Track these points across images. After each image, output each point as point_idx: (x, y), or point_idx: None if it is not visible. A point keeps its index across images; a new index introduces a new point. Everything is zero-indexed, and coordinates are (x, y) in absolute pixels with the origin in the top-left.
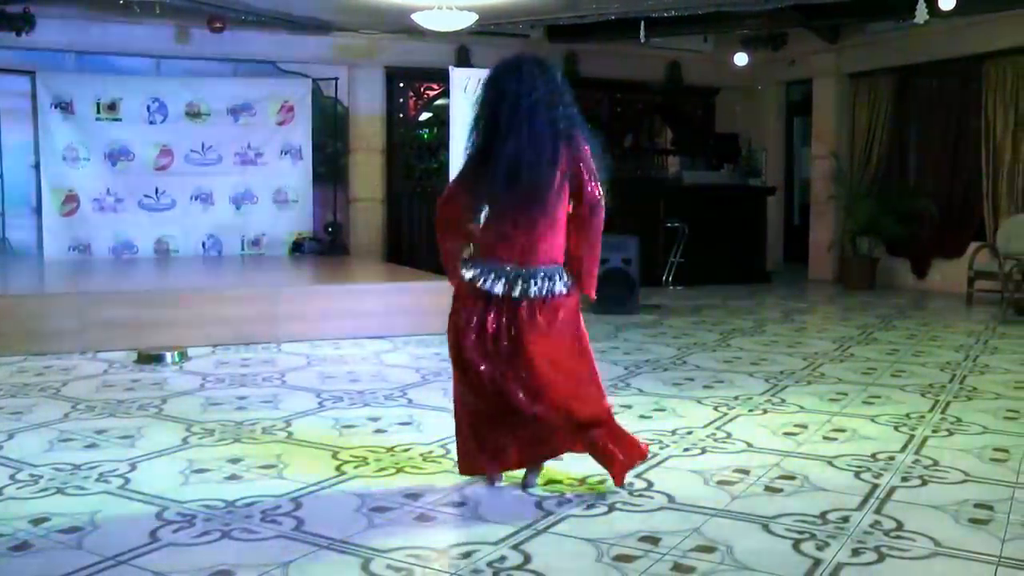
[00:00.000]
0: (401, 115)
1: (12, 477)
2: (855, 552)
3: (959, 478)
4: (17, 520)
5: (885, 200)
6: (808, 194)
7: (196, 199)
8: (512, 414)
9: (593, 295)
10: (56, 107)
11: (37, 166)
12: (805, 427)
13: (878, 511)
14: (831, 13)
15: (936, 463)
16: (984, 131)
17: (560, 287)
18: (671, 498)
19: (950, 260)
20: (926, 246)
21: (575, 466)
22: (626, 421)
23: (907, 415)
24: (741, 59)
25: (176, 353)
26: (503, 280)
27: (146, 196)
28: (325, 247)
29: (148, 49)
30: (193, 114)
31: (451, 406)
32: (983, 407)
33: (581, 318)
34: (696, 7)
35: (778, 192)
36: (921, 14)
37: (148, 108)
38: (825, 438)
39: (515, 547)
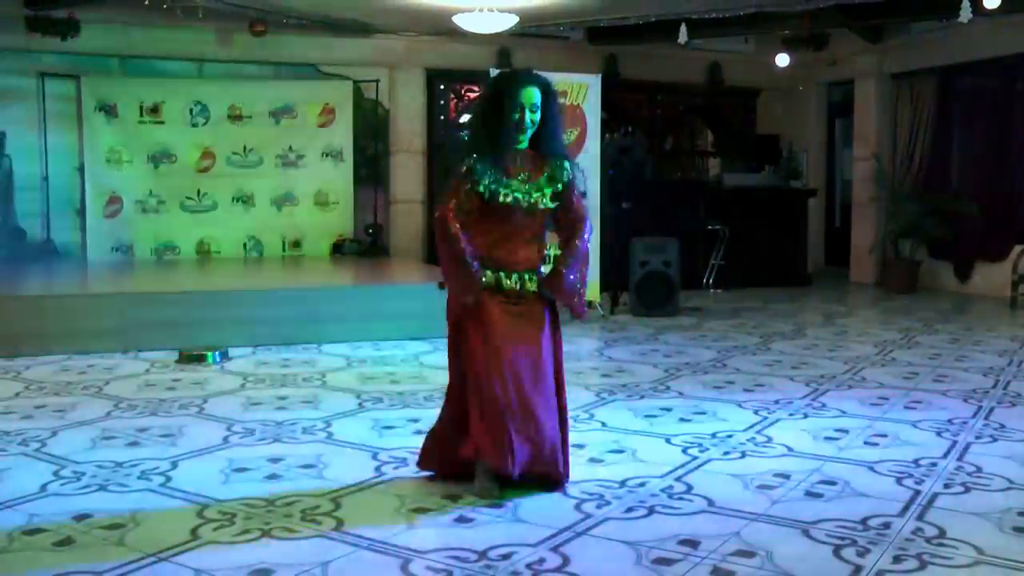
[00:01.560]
0: (442, 117)
1: (56, 474)
2: (896, 559)
3: (1003, 485)
4: (60, 516)
5: (927, 202)
6: (849, 196)
7: (237, 200)
8: None
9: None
10: (100, 110)
11: (81, 168)
12: (846, 432)
13: (920, 518)
14: (873, 13)
15: (979, 470)
16: None
17: None
18: (711, 502)
19: (993, 263)
20: (969, 249)
21: (614, 470)
22: (666, 424)
23: (949, 421)
24: (782, 60)
25: (217, 353)
26: None
27: (188, 198)
28: (365, 248)
29: (190, 53)
30: (235, 116)
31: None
32: None
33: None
34: (737, 8)
35: (819, 194)
36: (965, 13)
37: (190, 111)
38: (866, 443)
39: (554, 549)
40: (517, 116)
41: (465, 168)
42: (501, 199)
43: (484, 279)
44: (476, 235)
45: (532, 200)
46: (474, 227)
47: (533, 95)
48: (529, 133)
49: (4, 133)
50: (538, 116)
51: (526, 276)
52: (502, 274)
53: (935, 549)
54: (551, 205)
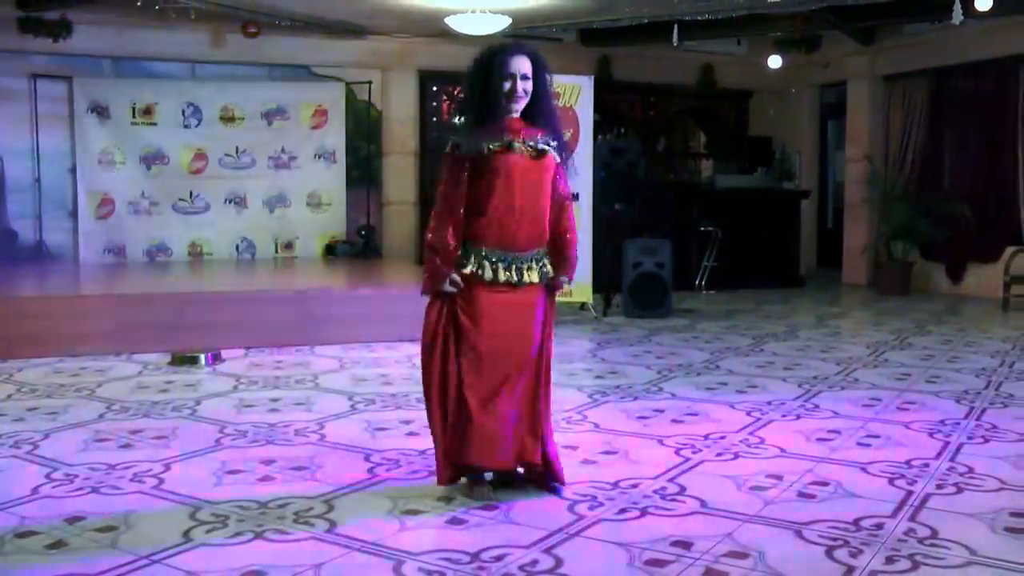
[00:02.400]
0: (434, 118)
1: (48, 476)
2: (889, 560)
3: (995, 486)
4: (53, 519)
5: (920, 203)
6: (842, 197)
7: (230, 202)
8: None
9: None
10: (92, 112)
11: (73, 170)
12: (838, 433)
13: (912, 518)
14: (865, 15)
15: (971, 470)
16: (1020, 133)
17: None
18: (704, 503)
19: (986, 264)
20: (961, 250)
21: (607, 471)
22: (659, 425)
23: (942, 422)
24: (775, 62)
25: (210, 355)
26: None
27: (180, 199)
28: (358, 250)
29: (183, 54)
30: (227, 118)
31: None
32: (1019, 414)
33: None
34: (729, 10)
35: (812, 196)
36: (957, 15)
37: (183, 112)
38: (859, 444)
39: (547, 551)
40: (508, 85)
41: (451, 145)
42: (500, 148)
43: (480, 272)
44: (477, 208)
45: (536, 149)
46: (474, 201)
47: (522, 63)
48: (522, 104)
49: None
50: (530, 86)
51: (525, 266)
52: (501, 265)
53: (927, 550)
54: (556, 159)
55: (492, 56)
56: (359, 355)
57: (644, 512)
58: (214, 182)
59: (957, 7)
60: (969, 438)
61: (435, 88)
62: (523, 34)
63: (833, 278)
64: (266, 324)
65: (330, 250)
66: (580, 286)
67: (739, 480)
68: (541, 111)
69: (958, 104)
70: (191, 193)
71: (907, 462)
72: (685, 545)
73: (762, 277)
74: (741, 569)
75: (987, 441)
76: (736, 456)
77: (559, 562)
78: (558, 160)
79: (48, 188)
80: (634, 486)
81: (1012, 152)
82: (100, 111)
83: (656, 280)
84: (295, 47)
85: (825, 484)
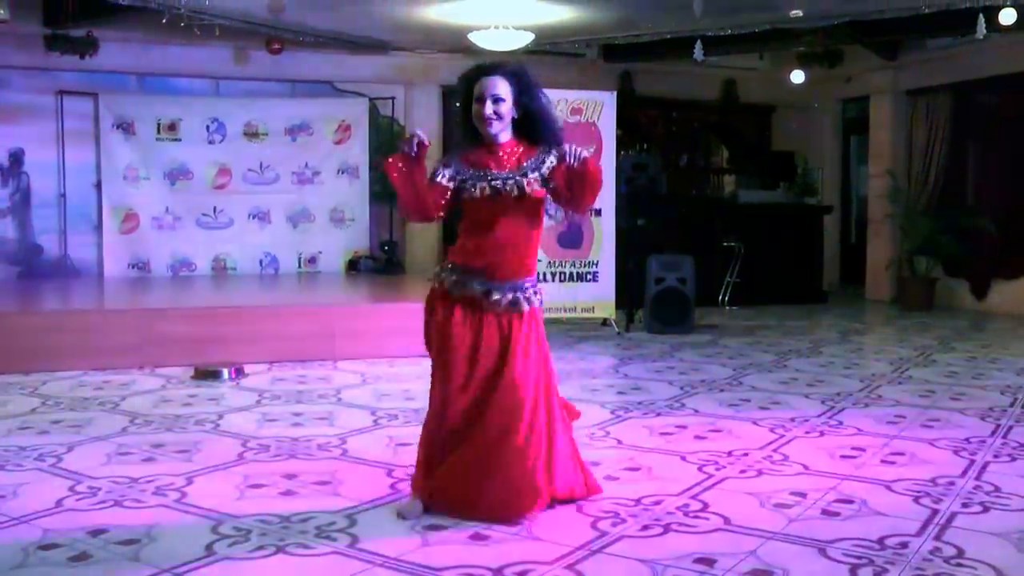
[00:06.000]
0: None
1: (71, 489)
2: None
3: (1021, 505)
4: (76, 531)
5: (943, 219)
6: (865, 213)
7: (253, 217)
8: None
9: None
10: (118, 128)
11: (99, 185)
12: (863, 450)
13: (938, 537)
14: (888, 29)
15: (997, 489)
16: None
17: None
18: (727, 520)
19: (1010, 281)
20: (986, 266)
21: (629, 488)
22: (682, 441)
23: (967, 439)
24: (797, 77)
25: (233, 369)
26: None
27: (204, 214)
28: (381, 265)
29: (207, 71)
30: (251, 134)
31: None
32: None
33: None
34: (752, 25)
35: (834, 211)
36: (980, 29)
37: (207, 128)
38: (883, 462)
39: (569, 567)
40: (476, 108)
41: (430, 173)
42: (478, 192)
43: (461, 290)
44: (464, 239)
45: (517, 186)
46: (462, 232)
47: (493, 85)
48: (497, 125)
49: (22, 150)
50: (504, 107)
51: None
52: (479, 292)
53: (953, 569)
54: (541, 188)
55: (467, 78)
56: (382, 370)
57: (667, 529)
58: (238, 197)
59: (981, 21)
60: (995, 456)
61: (458, 104)
62: (545, 50)
63: (856, 294)
64: (289, 339)
65: (353, 265)
66: (602, 302)
67: (763, 497)
68: (532, 127)
69: (982, 119)
70: (215, 208)
71: (932, 480)
72: (708, 562)
73: (785, 293)
74: None
75: (1013, 459)
76: (760, 473)
77: None
78: (559, 154)
79: (73, 203)
80: (657, 503)
81: None
82: (125, 127)
83: (679, 296)
84: (318, 63)
85: (850, 502)
